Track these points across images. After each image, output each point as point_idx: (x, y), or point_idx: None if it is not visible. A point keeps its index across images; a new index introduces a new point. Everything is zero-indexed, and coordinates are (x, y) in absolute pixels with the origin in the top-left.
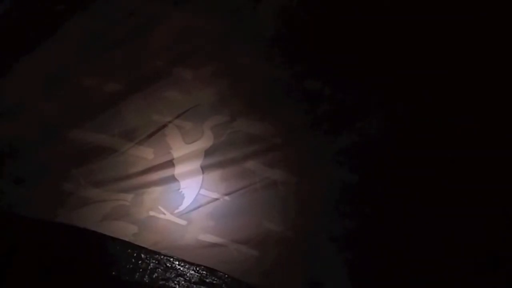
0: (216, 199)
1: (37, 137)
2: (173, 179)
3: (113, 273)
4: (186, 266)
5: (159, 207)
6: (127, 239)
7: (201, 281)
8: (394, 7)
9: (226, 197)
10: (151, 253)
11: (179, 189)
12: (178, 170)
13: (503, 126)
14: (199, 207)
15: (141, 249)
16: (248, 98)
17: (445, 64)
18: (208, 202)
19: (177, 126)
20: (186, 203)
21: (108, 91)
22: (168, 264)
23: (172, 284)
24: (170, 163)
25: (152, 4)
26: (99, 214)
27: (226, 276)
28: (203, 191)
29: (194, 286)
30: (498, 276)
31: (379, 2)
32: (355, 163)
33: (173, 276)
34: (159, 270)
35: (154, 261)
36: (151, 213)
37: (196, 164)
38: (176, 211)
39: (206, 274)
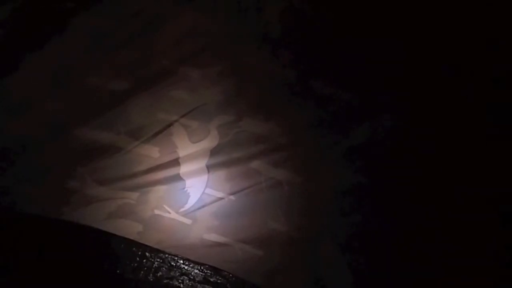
0: (221, 198)
1: (43, 135)
2: (178, 178)
3: (118, 271)
4: (191, 265)
5: (164, 205)
6: (132, 238)
7: (206, 280)
8: (400, 6)
9: (231, 197)
10: (155, 251)
11: (184, 188)
12: (184, 169)
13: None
14: (204, 206)
15: (145, 247)
16: (254, 97)
17: (453, 64)
18: (213, 201)
19: (183, 125)
20: (191, 202)
21: (115, 90)
22: (172, 263)
23: (177, 283)
24: (176, 162)
25: (160, 3)
26: (104, 212)
27: (231, 275)
28: (208, 190)
29: (199, 285)
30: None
31: (385, 1)
32: (361, 164)
33: (177, 275)
34: (164, 268)
35: (158, 259)
36: (156, 211)
37: (201, 163)
38: (181, 210)
39: (211, 273)
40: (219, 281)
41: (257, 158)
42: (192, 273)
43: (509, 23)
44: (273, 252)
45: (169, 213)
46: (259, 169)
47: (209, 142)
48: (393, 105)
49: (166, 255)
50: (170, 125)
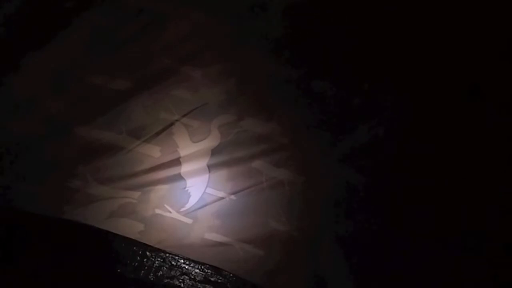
0: (222, 198)
1: (44, 134)
2: (179, 177)
3: (118, 270)
4: (191, 265)
5: (165, 205)
6: (133, 237)
7: (206, 279)
8: (401, 9)
9: (232, 196)
10: (156, 251)
11: (185, 187)
12: (185, 168)
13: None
14: (205, 205)
15: (146, 247)
16: (255, 97)
17: (452, 64)
18: (214, 201)
19: (184, 125)
20: (192, 201)
21: (116, 89)
22: (173, 263)
23: (177, 283)
24: (177, 162)
25: (161, 2)
26: (105, 211)
27: (231, 275)
28: (209, 190)
29: (199, 284)
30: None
31: (386, 3)
32: (361, 164)
33: (178, 274)
34: (164, 268)
35: (159, 259)
36: (157, 211)
37: (202, 163)
38: (182, 209)
39: (211, 273)
40: (219, 280)
41: (258, 158)
42: (193, 273)
43: (510, 24)
44: (274, 252)
45: (170, 212)
46: (260, 168)
47: (210, 141)
48: (393, 105)
49: (167, 255)
50: (171, 124)
